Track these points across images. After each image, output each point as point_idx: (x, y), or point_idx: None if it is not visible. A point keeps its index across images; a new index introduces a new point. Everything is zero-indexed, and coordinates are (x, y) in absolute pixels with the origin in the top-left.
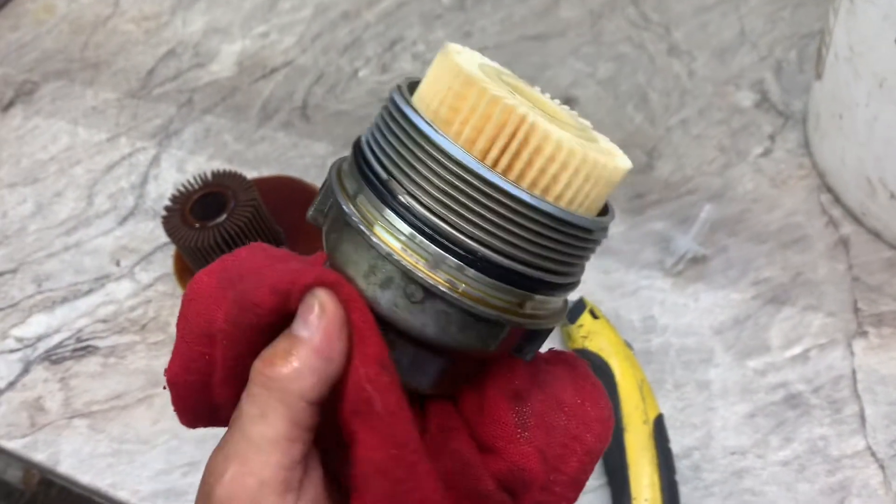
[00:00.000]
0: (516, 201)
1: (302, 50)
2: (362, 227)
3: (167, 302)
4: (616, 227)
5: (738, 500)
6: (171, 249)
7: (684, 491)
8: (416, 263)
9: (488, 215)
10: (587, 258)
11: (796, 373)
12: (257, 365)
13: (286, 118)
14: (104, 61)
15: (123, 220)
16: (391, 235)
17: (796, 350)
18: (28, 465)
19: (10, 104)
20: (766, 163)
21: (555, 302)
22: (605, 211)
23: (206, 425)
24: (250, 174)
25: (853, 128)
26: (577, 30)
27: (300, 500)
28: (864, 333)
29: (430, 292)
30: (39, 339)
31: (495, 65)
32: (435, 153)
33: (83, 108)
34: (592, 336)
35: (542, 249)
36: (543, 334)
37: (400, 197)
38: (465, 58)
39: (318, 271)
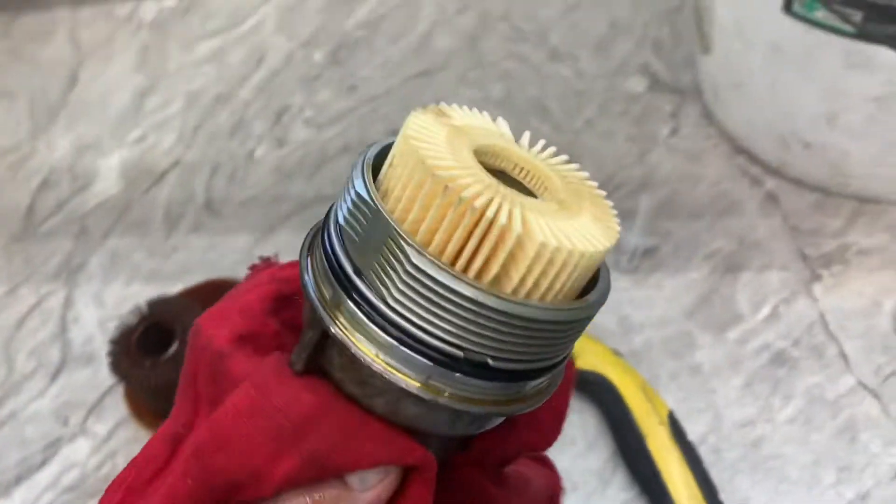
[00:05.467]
0: (491, 309)
1: (186, 146)
2: (354, 350)
3: (134, 447)
4: None
5: (763, 470)
6: (121, 391)
7: (712, 475)
8: (405, 377)
9: (466, 323)
10: (576, 336)
11: (773, 331)
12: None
13: (194, 220)
14: None
15: (55, 376)
16: (376, 350)
17: (765, 310)
18: None
19: None
20: (677, 141)
21: (543, 382)
22: (595, 278)
23: None
24: (175, 288)
25: (755, 94)
26: (458, 57)
27: None
28: (818, 277)
29: (420, 399)
30: None
31: (486, 121)
32: (411, 270)
33: None
34: (580, 355)
35: (524, 346)
36: None
37: (381, 307)
38: (435, 131)
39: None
